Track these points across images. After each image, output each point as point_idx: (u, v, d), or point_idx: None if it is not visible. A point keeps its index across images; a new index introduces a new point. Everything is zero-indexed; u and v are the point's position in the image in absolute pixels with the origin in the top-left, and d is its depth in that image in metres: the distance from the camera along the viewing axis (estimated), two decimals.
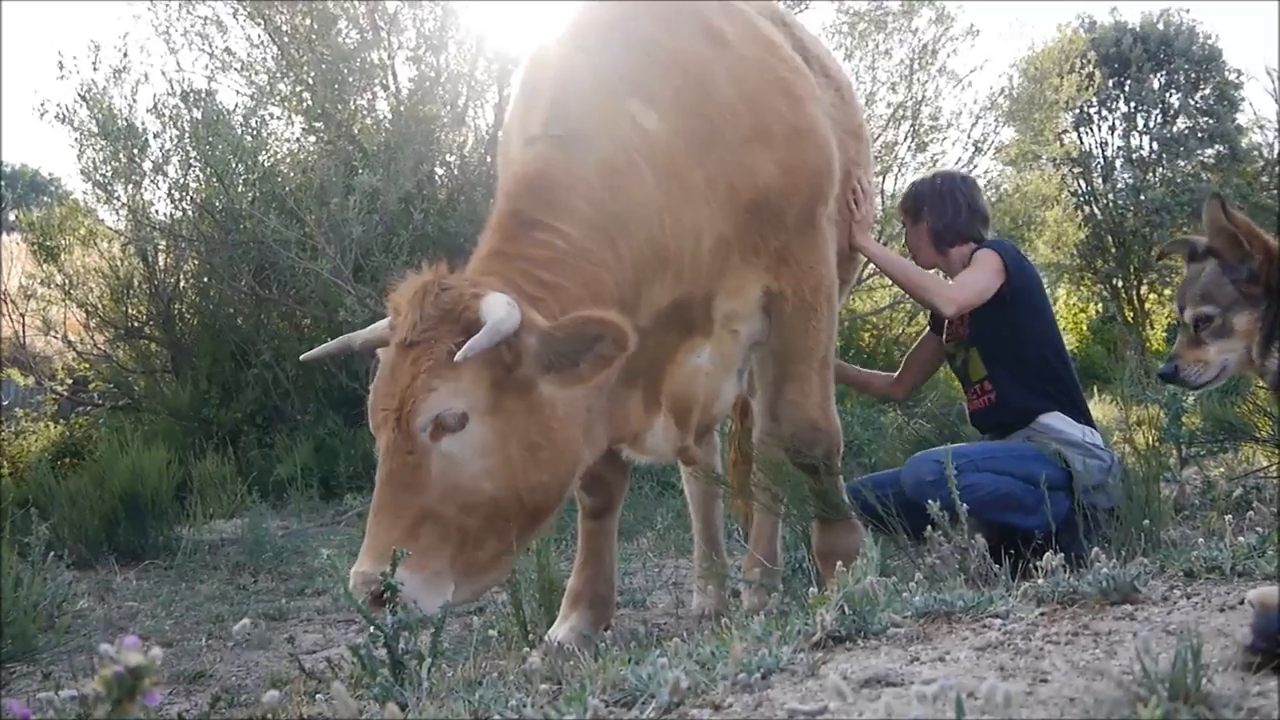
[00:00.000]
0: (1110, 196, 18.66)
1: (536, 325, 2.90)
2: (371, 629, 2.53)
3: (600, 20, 3.56)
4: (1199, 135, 18.77)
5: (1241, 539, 2.92)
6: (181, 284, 9.64)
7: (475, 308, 2.87)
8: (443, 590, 2.83)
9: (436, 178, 9.57)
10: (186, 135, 8.96)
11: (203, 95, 9.20)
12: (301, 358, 3.66)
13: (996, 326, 3.90)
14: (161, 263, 9.58)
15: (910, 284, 4.02)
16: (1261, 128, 18.69)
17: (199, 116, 8.90)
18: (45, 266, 9.59)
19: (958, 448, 3.70)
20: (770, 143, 3.44)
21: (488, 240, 3.21)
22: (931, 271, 4.15)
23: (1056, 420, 3.84)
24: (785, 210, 3.46)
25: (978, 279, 3.91)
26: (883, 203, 11.44)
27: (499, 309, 2.84)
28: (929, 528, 3.06)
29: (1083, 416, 3.91)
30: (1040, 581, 2.50)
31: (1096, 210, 18.43)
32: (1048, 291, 4.28)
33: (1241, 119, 19.03)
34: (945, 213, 4.07)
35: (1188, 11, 20.56)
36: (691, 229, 3.30)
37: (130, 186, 9.22)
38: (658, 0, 3.59)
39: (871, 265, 9.53)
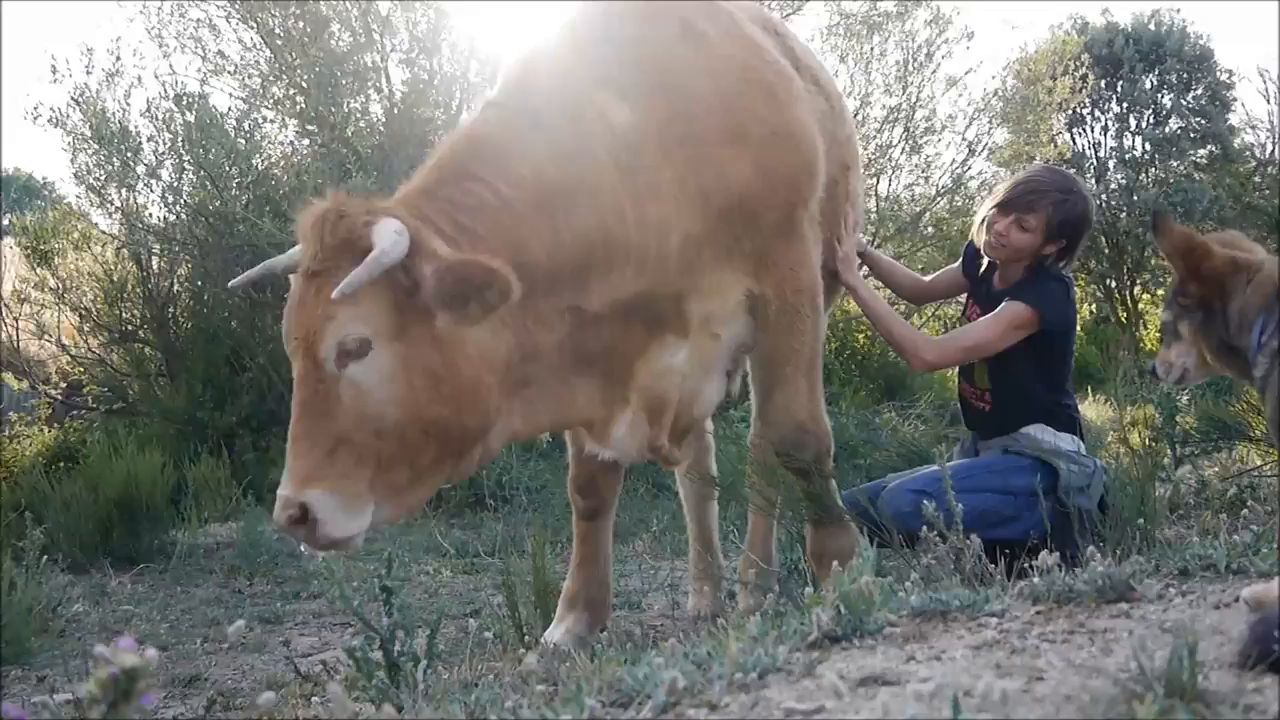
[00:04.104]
0: (1103, 197, 18.65)
1: (437, 255, 2.91)
2: (368, 632, 2.53)
3: (583, 19, 3.58)
4: (1191, 136, 18.78)
5: (1236, 537, 2.93)
6: (175, 288, 9.60)
7: (368, 235, 2.89)
8: (360, 512, 2.91)
9: None
10: (180, 139, 8.94)
11: (196, 99, 9.17)
12: (230, 284, 3.77)
13: (1015, 359, 3.83)
14: (155, 266, 9.56)
15: (887, 332, 3.93)
16: (1254, 128, 18.73)
17: (192, 120, 8.88)
18: (39, 271, 9.55)
19: (932, 472, 3.71)
20: (747, 144, 3.41)
21: (417, 179, 3.23)
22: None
23: (1035, 430, 3.84)
24: (762, 213, 3.44)
25: (978, 337, 3.84)
26: (876, 205, 11.48)
27: (385, 238, 2.86)
28: (924, 528, 3.06)
29: (1066, 428, 3.90)
30: (1036, 580, 2.50)
31: None
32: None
33: (1234, 119, 19.06)
34: (1074, 253, 3.95)
35: (1179, 12, 20.61)
36: (657, 225, 3.29)
37: (123, 190, 9.21)
38: (643, 1, 3.59)
39: (865, 268, 9.54)
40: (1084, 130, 18.89)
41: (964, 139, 11.99)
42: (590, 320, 3.28)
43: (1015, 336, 3.79)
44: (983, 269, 4.08)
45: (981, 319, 3.90)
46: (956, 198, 11.80)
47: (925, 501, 3.08)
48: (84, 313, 9.48)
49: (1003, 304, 3.84)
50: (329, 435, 2.92)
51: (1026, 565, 2.81)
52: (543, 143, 3.23)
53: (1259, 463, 5.51)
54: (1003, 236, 3.86)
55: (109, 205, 9.37)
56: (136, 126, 9.08)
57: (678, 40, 3.47)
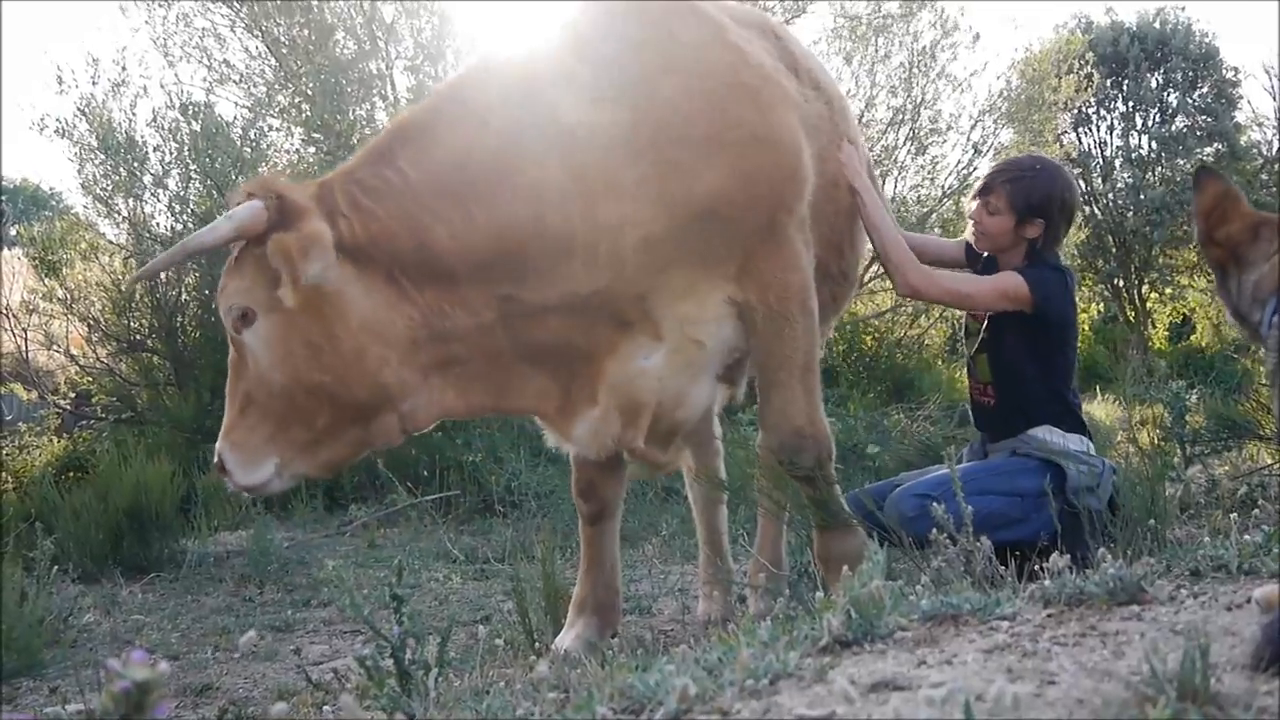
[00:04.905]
0: (1110, 196, 18.67)
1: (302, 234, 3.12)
2: (379, 640, 2.53)
3: (564, 21, 3.57)
4: (1197, 134, 18.79)
5: (1247, 537, 2.91)
6: (183, 297, 9.61)
7: None
8: (260, 464, 3.23)
9: None
10: (186, 148, 8.97)
11: (201, 108, 9.21)
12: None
13: (1012, 346, 3.85)
14: (163, 275, 9.57)
15: (882, 247, 3.88)
16: (1260, 125, 18.77)
17: (198, 129, 8.91)
18: (47, 281, 9.57)
19: (937, 475, 3.70)
20: (723, 148, 3.37)
21: (350, 159, 3.45)
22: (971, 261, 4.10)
23: (1043, 432, 3.84)
24: (740, 218, 3.40)
25: (966, 287, 3.86)
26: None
27: (214, 223, 3.19)
28: (934, 530, 3.05)
29: (1074, 428, 3.89)
30: (1047, 583, 2.49)
31: (1097, 210, 18.44)
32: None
33: (1240, 117, 19.09)
34: (1059, 232, 3.93)
35: (1183, 10, 20.60)
36: (610, 224, 3.28)
37: (130, 200, 9.24)
38: (623, 1, 3.59)
39: (872, 269, 9.56)
40: (1090, 129, 18.92)
41: (969, 140, 12.00)
42: (533, 311, 3.33)
43: (1002, 305, 3.80)
44: (982, 263, 4.09)
45: (979, 276, 3.93)
46: (963, 199, 11.80)
47: (934, 504, 3.07)
48: (92, 323, 9.50)
49: (1003, 271, 3.86)
50: (241, 393, 3.27)
51: (1037, 567, 2.80)
52: (468, 133, 3.30)
53: (1269, 461, 5.50)
54: (978, 223, 3.94)
55: (116, 215, 9.40)
56: (143, 136, 9.13)
57: (653, 44, 3.44)
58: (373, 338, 3.19)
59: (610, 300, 3.37)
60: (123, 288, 9.19)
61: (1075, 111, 17.01)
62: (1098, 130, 18.99)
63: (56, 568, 4.76)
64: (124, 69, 9.21)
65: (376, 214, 3.21)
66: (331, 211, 3.19)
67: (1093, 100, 16.90)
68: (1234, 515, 3.55)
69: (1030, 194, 3.85)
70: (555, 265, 3.28)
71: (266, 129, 9.62)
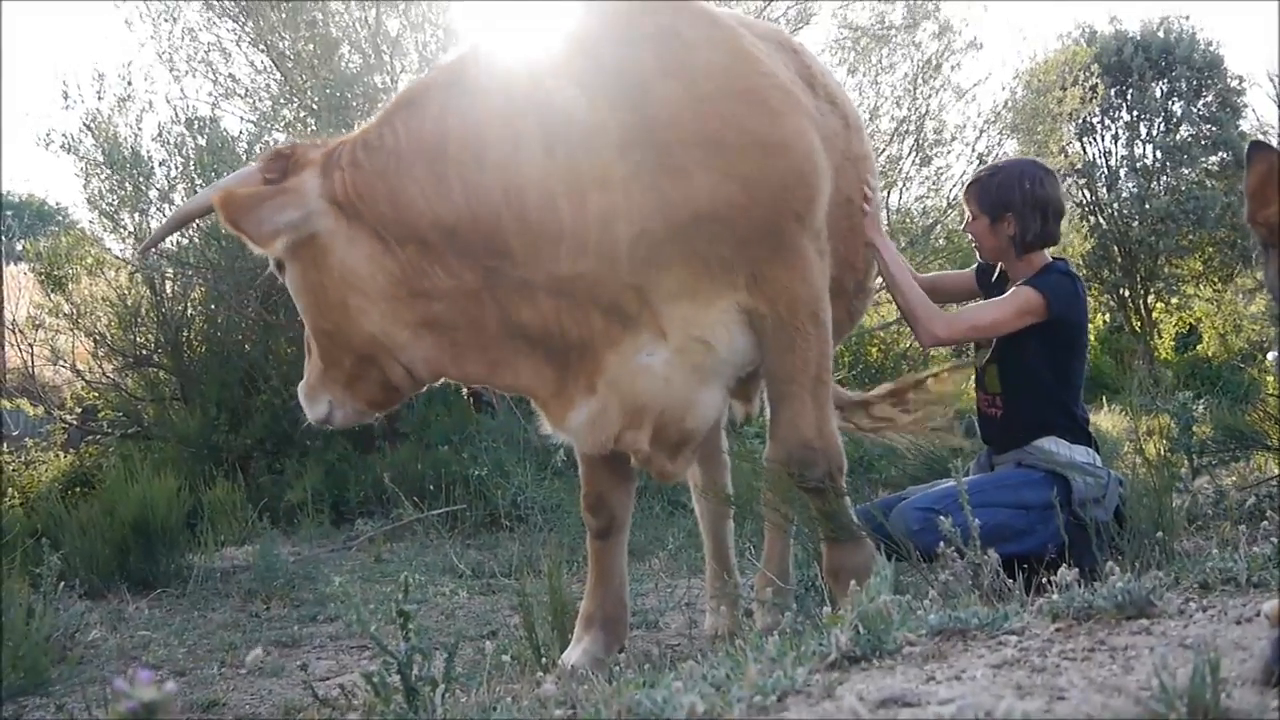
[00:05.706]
0: (1115, 206, 18.66)
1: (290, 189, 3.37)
2: (385, 656, 2.52)
3: (573, 19, 3.57)
4: (1202, 143, 18.77)
5: (1256, 549, 2.90)
6: (189, 311, 9.65)
7: None
8: (317, 400, 3.59)
9: None
10: (191, 162, 9.00)
11: (207, 122, 9.25)
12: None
13: (1022, 355, 3.84)
14: (169, 290, 9.60)
15: (904, 300, 3.92)
16: (1264, 134, 18.70)
17: (203, 143, 8.94)
18: (53, 296, 9.62)
19: (943, 488, 3.69)
20: (720, 152, 3.33)
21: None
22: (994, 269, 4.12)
23: (1049, 443, 3.83)
24: (742, 222, 3.35)
25: (986, 316, 3.84)
26: (888, 218, 11.48)
27: (202, 192, 3.53)
28: (941, 543, 3.05)
29: (1080, 440, 3.88)
30: (1055, 597, 2.49)
31: (1102, 220, 18.43)
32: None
33: (1245, 125, 19.04)
34: (1033, 224, 3.91)
35: (1188, 18, 20.57)
36: (601, 216, 3.28)
37: (136, 215, 9.27)
38: (635, 1, 3.58)
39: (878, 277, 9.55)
40: (1094, 139, 18.90)
41: (974, 150, 12.00)
42: (518, 286, 3.35)
43: (1023, 321, 3.80)
44: (994, 277, 4.10)
45: (991, 300, 3.93)
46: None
47: (940, 517, 3.07)
48: (98, 338, 9.53)
49: (1013, 289, 3.87)
50: (306, 339, 3.61)
51: (1045, 580, 2.79)
52: (461, 109, 3.38)
53: (1277, 472, 5.47)
54: (971, 236, 4.09)
55: (122, 230, 9.44)
56: (148, 151, 9.18)
57: (660, 44, 3.41)
58: (351, 289, 3.37)
59: (604, 289, 3.36)
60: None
61: (1079, 121, 17.00)
62: (1102, 139, 18.98)
63: (63, 583, 4.76)
64: (130, 84, 9.28)
65: (365, 169, 3.36)
66: (331, 166, 3.38)
67: (1097, 109, 16.89)
68: (1242, 527, 3.54)
69: (991, 192, 3.94)
70: (539, 249, 3.30)
71: (272, 143, 9.63)
